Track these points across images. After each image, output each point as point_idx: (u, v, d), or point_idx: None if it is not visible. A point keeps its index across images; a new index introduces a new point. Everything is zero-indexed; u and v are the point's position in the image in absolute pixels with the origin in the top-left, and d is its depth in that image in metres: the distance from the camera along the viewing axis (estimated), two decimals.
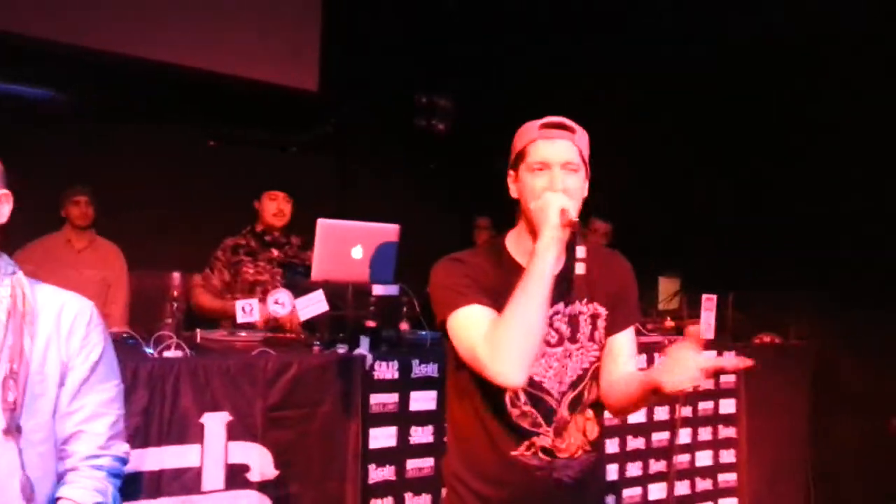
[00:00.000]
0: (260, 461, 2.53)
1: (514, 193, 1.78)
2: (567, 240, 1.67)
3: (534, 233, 1.68)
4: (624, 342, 1.84)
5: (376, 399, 2.80)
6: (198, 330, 2.86)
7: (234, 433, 2.49)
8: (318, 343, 2.90)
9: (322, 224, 3.01)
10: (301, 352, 2.84)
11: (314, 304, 2.81)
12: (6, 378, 1.42)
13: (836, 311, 3.98)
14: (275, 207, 3.90)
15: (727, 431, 3.74)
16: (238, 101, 5.22)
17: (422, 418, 2.88)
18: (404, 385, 2.86)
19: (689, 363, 1.54)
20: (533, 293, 1.58)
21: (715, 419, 3.69)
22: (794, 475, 3.95)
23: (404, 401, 2.86)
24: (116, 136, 4.84)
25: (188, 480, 2.40)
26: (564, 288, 1.75)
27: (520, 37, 5.47)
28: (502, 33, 5.51)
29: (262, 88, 5.27)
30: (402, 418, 2.85)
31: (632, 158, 5.00)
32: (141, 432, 2.33)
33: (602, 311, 1.81)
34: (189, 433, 2.41)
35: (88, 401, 1.54)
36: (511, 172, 1.78)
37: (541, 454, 1.76)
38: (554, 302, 1.72)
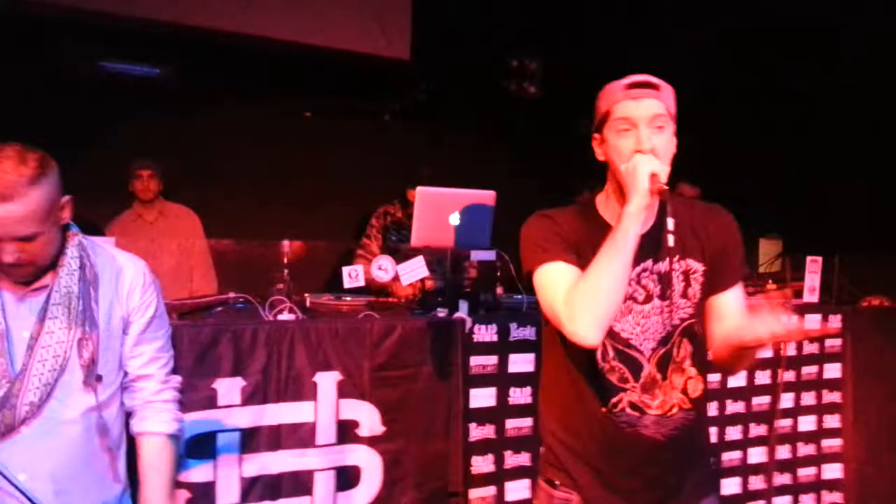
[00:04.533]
0: (368, 418, 2.67)
1: (600, 156, 1.76)
2: (657, 202, 1.67)
3: (622, 194, 1.67)
4: (730, 300, 1.78)
5: (476, 361, 2.88)
6: (306, 294, 3.00)
7: (344, 391, 2.63)
8: (418, 307, 3.00)
9: (420, 192, 3.09)
10: (404, 315, 2.94)
11: (415, 270, 2.91)
12: (81, 339, 1.66)
13: None
14: None
15: (832, 396, 3.65)
16: (331, 72, 5.34)
17: (520, 380, 2.95)
18: (503, 347, 2.93)
19: (774, 321, 1.53)
20: (614, 257, 1.59)
21: (819, 384, 3.61)
22: None
23: (503, 363, 2.94)
24: (216, 110, 5.04)
25: (304, 434, 2.57)
26: (653, 245, 1.72)
27: None
28: None
29: (355, 59, 5.35)
30: (501, 379, 2.93)
31: (728, 116, 4.87)
32: (260, 390, 2.50)
33: (698, 266, 1.77)
34: (304, 391, 2.57)
35: (147, 348, 1.81)
36: (596, 135, 1.75)
37: (629, 409, 1.75)
38: (642, 259, 1.71)
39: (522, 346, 2.96)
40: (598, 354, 1.75)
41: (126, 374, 1.81)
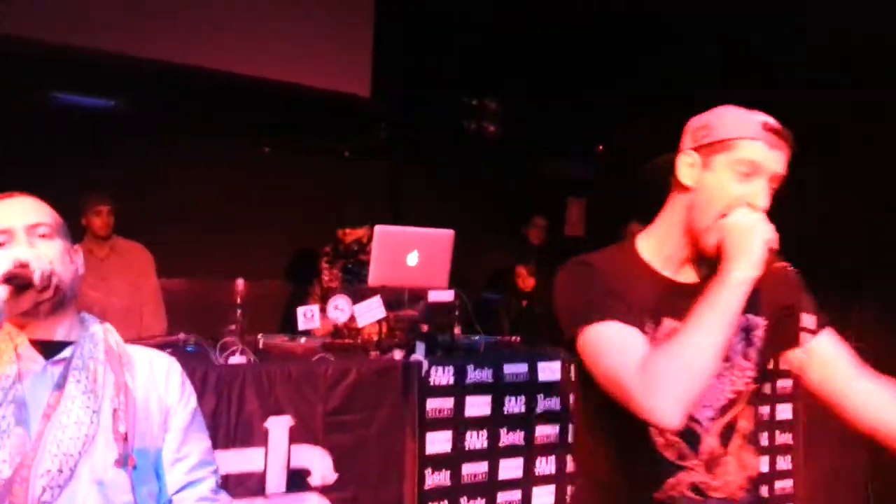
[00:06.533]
0: (321, 465, 2.60)
1: (687, 179, 1.46)
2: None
3: (690, 235, 1.47)
4: (829, 346, 1.51)
5: (432, 404, 2.85)
6: (259, 335, 2.94)
7: (296, 437, 2.56)
8: (374, 349, 2.96)
9: (379, 230, 3.07)
10: (359, 357, 2.90)
11: (372, 310, 2.87)
12: (116, 410, 1.43)
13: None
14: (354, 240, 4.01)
15: (784, 437, 3.69)
16: (292, 108, 5.32)
17: (476, 423, 2.92)
18: (459, 390, 2.90)
19: None
20: (713, 329, 1.31)
21: (771, 425, 3.65)
22: (851, 480, 3.88)
23: (459, 406, 2.90)
24: (171, 143, 4.95)
25: (252, 484, 2.49)
26: None
27: (567, 37, 5.47)
28: (550, 34, 5.51)
29: (316, 95, 5.35)
30: (458, 423, 2.89)
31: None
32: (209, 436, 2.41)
33: (759, 321, 1.53)
34: (254, 437, 2.50)
35: (195, 448, 1.56)
36: (692, 153, 1.46)
37: (688, 492, 1.46)
38: None
39: (479, 389, 2.94)
40: (651, 428, 1.46)
41: (168, 482, 1.51)
